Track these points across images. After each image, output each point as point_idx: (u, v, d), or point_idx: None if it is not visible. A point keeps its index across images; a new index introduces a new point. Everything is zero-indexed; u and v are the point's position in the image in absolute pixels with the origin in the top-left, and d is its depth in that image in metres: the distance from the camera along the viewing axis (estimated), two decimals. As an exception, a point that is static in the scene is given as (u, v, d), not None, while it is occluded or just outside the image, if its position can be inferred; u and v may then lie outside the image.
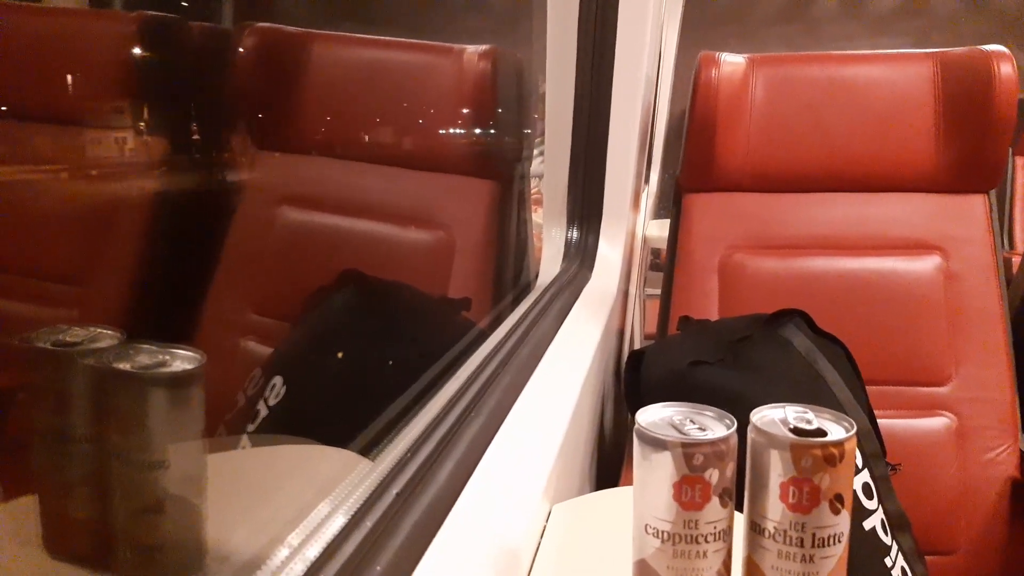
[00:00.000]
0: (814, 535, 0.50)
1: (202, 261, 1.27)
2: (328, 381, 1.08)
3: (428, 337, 1.13)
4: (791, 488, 0.50)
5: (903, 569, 1.05)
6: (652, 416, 0.53)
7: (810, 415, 0.53)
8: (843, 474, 0.50)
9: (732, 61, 1.50)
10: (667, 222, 1.61)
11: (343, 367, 1.09)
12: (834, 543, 0.50)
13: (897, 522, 1.07)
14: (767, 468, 0.50)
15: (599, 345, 1.11)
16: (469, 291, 1.34)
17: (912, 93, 1.46)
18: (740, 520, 0.53)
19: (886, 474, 1.08)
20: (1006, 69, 1.38)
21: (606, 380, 1.31)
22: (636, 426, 0.52)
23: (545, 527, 0.71)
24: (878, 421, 1.14)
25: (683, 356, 1.12)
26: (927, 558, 1.14)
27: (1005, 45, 1.41)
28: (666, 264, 1.54)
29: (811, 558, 0.50)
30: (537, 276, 1.41)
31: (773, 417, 0.53)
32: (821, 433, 0.51)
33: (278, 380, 1.07)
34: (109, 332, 0.52)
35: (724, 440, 0.50)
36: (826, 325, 1.17)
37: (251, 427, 1.05)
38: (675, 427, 0.52)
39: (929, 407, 1.34)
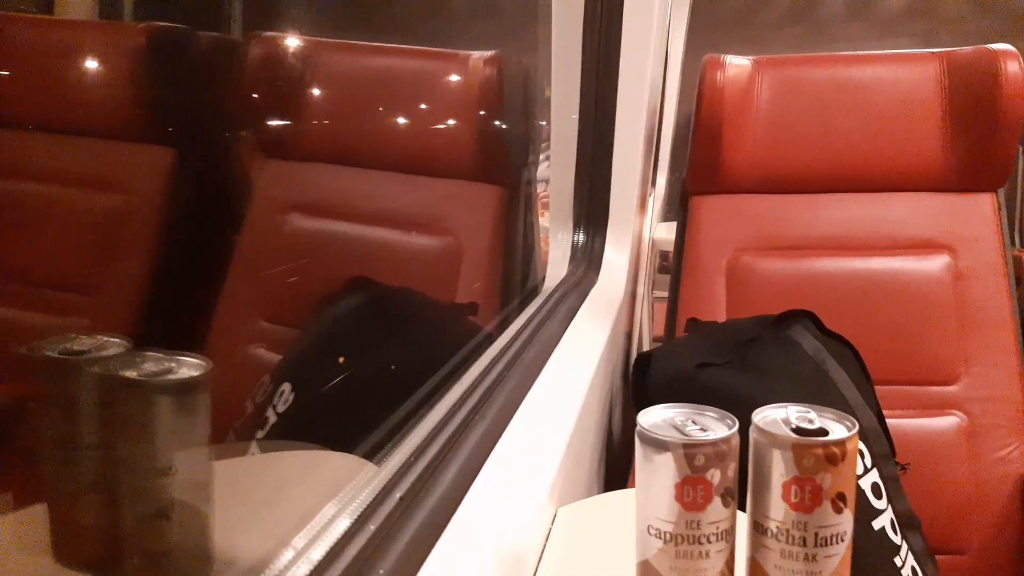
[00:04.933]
0: (816, 534, 0.50)
1: (212, 269, 1.27)
2: (336, 387, 1.09)
3: (436, 342, 1.13)
4: (793, 487, 0.50)
5: (913, 569, 1.05)
6: (654, 417, 0.54)
7: (812, 415, 0.53)
8: (845, 473, 0.50)
9: (737, 63, 1.50)
10: (675, 225, 1.61)
11: (351, 373, 1.10)
12: (837, 542, 0.50)
13: (907, 522, 1.07)
14: (769, 468, 0.51)
15: (606, 347, 1.11)
16: (477, 295, 1.34)
17: (919, 93, 1.46)
18: (743, 520, 0.53)
19: (895, 474, 1.08)
20: (1013, 68, 1.37)
21: (614, 382, 1.31)
22: (638, 427, 0.52)
23: (551, 529, 0.71)
24: (887, 421, 1.13)
25: (691, 358, 1.12)
26: (937, 558, 1.13)
27: (1013, 44, 1.41)
28: (673, 266, 1.54)
29: (814, 557, 0.50)
30: (544, 279, 1.42)
31: (775, 417, 0.53)
32: (823, 432, 0.51)
33: (287, 387, 1.08)
34: (116, 340, 0.52)
35: (725, 440, 0.51)
36: (834, 326, 1.16)
37: (260, 434, 1.06)
38: (677, 428, 0.52)
39: (939, 406, 1.34)
